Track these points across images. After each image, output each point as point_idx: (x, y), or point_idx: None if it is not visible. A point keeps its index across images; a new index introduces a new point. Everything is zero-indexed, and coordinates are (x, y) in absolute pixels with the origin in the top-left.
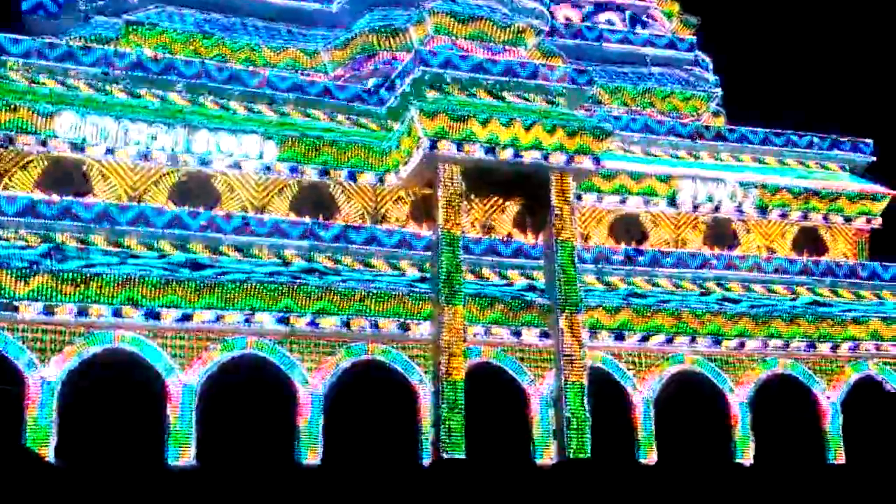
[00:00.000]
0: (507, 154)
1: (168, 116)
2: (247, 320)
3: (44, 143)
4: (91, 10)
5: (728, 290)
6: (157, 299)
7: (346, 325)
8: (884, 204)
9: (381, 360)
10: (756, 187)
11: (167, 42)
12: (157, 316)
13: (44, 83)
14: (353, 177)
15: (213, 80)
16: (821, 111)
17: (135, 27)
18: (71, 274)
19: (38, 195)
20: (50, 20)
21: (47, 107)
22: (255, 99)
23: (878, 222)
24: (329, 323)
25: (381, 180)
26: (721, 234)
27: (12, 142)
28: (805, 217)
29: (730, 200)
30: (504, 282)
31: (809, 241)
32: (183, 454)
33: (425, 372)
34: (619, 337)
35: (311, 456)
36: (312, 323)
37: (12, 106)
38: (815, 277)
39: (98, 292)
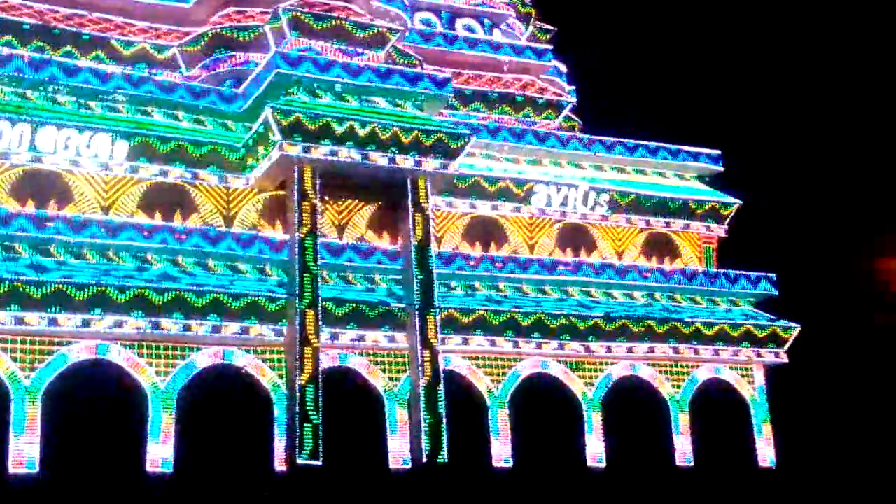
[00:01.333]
0: (362, 157)
1: (13, 112)
2: (95, 324)
3: None
4: None
5: (580, 294)
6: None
7: (199, 328)
8: (731, 213)
9: (234, 365)
10: (608, 193)
11: (14, 35)
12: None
13: None
14: (207, 178)
15: (63, 75)
16: (677, 123)
17: None
18: None
19: None
20: None
21: None
22: (106, 96)
23: (725, 230)
24: (181, 326)
25: (236, 182)
26: (574, 239)
27: None
28: (655, 223)
29: (583, 206)
30: (359, 285)
31: (659, 247)
32: (25, 461)
33: (280, 376)
34: (475, 340)
35: (160, 463)
36: (164, 327)
37: None
38: (664, 283)
39: None
